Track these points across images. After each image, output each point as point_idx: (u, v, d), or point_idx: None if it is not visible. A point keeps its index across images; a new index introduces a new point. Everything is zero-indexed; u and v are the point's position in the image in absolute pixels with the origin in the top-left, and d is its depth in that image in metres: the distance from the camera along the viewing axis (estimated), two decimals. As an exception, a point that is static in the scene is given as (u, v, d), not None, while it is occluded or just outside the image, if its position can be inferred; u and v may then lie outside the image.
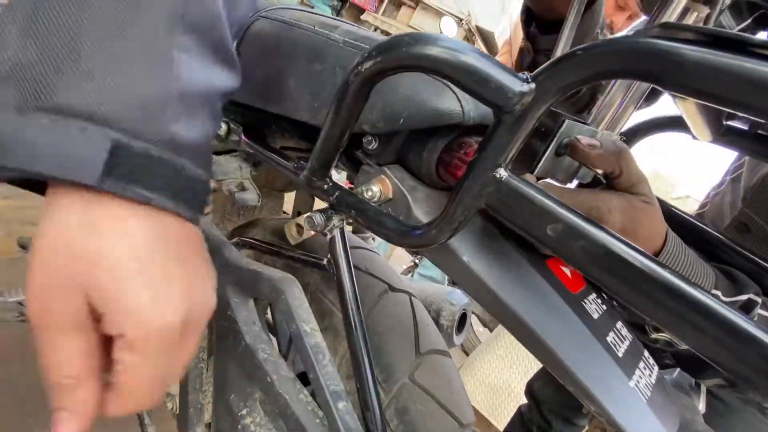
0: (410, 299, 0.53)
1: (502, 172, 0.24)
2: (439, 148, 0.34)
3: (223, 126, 0.46)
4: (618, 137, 0.36)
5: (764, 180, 0.48)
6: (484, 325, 1.90)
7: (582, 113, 0.51)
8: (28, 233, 1.25)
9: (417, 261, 1.84)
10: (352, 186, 0.37)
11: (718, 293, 0.32)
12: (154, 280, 0.23)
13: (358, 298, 0.37)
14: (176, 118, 0.22)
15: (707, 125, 0.31)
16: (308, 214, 0.36)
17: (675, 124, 0.45)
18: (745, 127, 0.40)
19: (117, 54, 0.20)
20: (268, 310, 0.68)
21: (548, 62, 0.21)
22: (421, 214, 0.34)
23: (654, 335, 0.36)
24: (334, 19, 0.41)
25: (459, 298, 0.70)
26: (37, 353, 0.23)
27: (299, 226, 0.39)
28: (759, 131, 0.40)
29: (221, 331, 0.43)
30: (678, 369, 0.43)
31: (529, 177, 0.31)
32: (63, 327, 0.22)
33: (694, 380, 0.41)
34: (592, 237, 0.21)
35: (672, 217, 0.41)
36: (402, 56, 0.23)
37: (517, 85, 0.21)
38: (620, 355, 0.31)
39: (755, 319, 0.31)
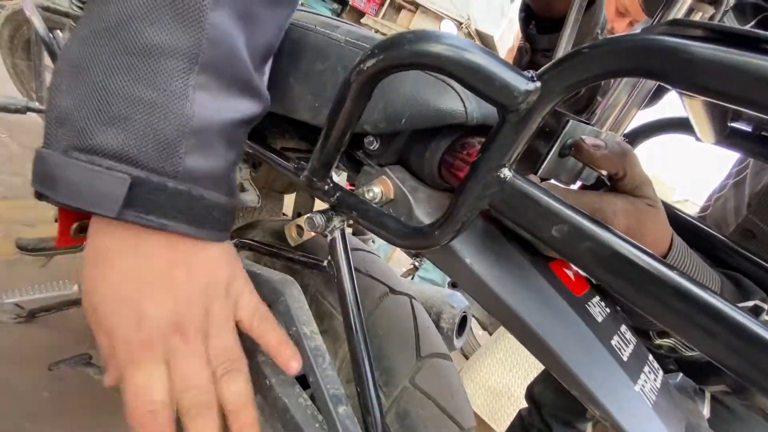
0: (411, 302, 0.52)
1: (507, 173, 0.24)
2: (442, 149, 0.34)
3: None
4: (622, 138, 0.35)
5: None
6: (484, 328, 1.90)
7: (581, 114, 0.51)
8: (26, 234, 1.24)
9: (417, 264, 1.84)
10: (353, 187, 0.37)
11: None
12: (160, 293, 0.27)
13: (359, 300, 0.37)
14: (191, 152, 0.25)
15: (712, 126, 0.31)
16: (308, 215, 0.36)
17: (678, 125, 0.44)
18: (749, 129, 0.40)
19: (137, 101, 0.24)
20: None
21: (554, 60, 0.20)
22: (423, 215, 0.34)
23: (658, 341, 0.36)
24: (335, 19, 0.41)
25: (459, 300, 0.70)
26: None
27: (299, 228, 0.39)
28: (763, 133, 0.40)
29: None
30: (681, 374, 0.42)
31: (532, 178, 0.31)
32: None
33: (697, 385, 0.40)
34: (599, 238, 0.21)
35: (676, 219, 0.40)
36: (405, 54, 0.22)
37: (523, 83, 0.21)
38: (625, 359, 0.31)
39: None
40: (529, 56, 0.55)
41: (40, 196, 0.26)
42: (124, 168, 0.24)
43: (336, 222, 0.36)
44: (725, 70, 0.16)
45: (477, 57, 0.21)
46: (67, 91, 0.24)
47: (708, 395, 0.39)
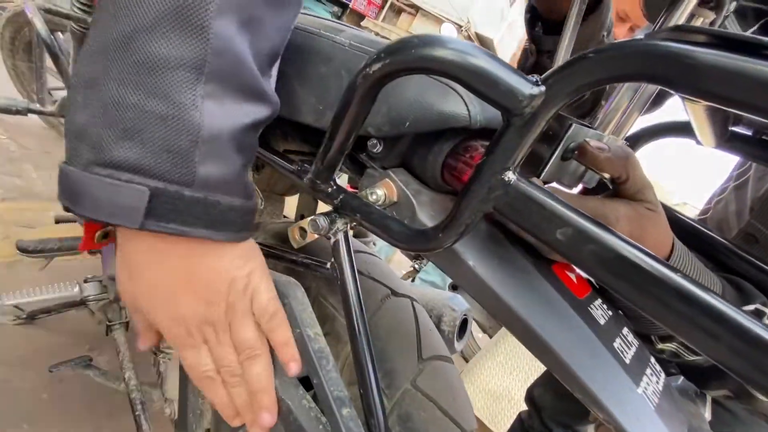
0: (412, 304, 0.52)
1: (511, 176, 0.24)
2: (445, 152, 0.34)
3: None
4: (623, 142, 0.36)
5: None
6: (484, 331, 1.89)
7: (584, 118, 0.51)
8: (26, 236, 1.24)
9: (417, 266, 1.84)
10: (354, 189, 0.37)
11: None
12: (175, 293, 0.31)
13: (362, 302, 0.37)
14: (203, 161, 0.27)
15: (713, 130, 0.31)
16: (312, 217, 0.36)
17: (679, 129, 0.44)
18: (750, 133, 0.40)
19: (148, 114, 0.25)
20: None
21: (558, 65, 0.21)
22: (426, 217, 0.34)
23: (660, 345, 0.36)
24: (338, 22, 0.41)
25: (460, 303, 0.70)
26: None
27: (302, 230, 0.39)
28: (763, 137, 0.40)
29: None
30: (682, 377, 0.42)
31: (535, 181, 0.31)
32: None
33: (699, 388, 0.40)
34: (603, 241, 0.21)
35: (676, 222, 0.40)
36: (411, 58, 0.23)
37: (527, 87, 0.21)
38: (627, 361, 0.31)
39: None
40: (534, 58, 0.55)
41: (67, 209, 0.27)
42: (142, 180, 0.26)
43: (339, 224, 0.36)
44: (728, 75, 0.17)
45: (482, 61, 0.21)
46: (83, 106, 0.26)
47: (709, 398, 0.40)
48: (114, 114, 0.25)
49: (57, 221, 1.04)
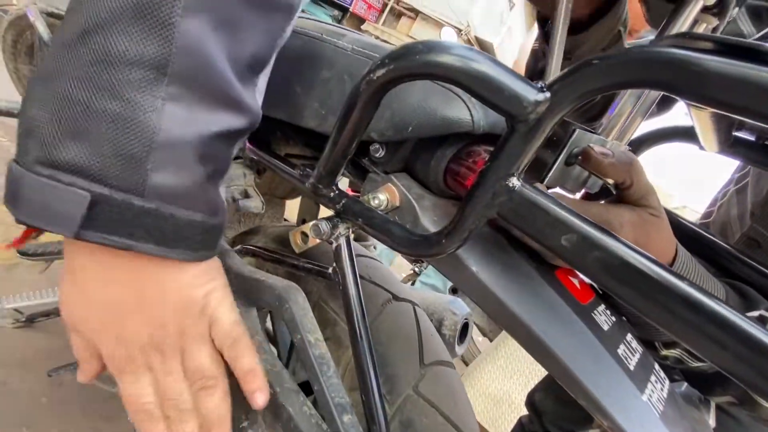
0: (414, 309, 0.52)
1: (515, 182, 0.24)
2: (448, 157, 0.34)
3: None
4: (626, 147, 0.36)
5: None
6: (484, 334, 1.89)
7: (592, 123, 0.50)
8: (26, 239, 1.24)
9: (417, 269, 1.83)
10: (355, 193, 0.37)
11: None
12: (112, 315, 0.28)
13: (364, 307, 0.37)
14: (158, 168, 0.24)
15: (717, 136, 0.31)
16: (314, 222, 0.36)
17: (681, 134, 0.44)
18: (752, 138, 0.40)
19: (100, 113, 0.23)
20: (267, 318, 0.67)
21: (564, 71, 0.21)
22: (429, 222, 0.34)
23: (664, 352, 0.36)
24: (341, 27, 0.41)
25: (461, 307, 0.70)
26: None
27: (304, 234, 0.39)
28: (766, 142, 0.40)
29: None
30: (686, 383, 0.42)
31: (539, 186, 0.31)
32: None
33: (702, 395, 0.40)
34: (608, 248, 0.21)
35: (679, 227, 0.40)
36: (415, 64, 0.23)
37: (532, 93, 0.21)
38: (632, 368, 0.31)
39: None
40: (545, 60, 0.54)
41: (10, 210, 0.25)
42: (85, 184, 0.23)
43: (341, 229, 0.36)
44: (734, 82, 0.17)
45: (487, 67, 0.21)
46: (36, 100, 0.24)
47: (713, 405, 0.39)
48: (63, 110, 0.23)
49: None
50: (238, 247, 0.53)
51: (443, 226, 0.32)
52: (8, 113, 1.20)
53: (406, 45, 0.23)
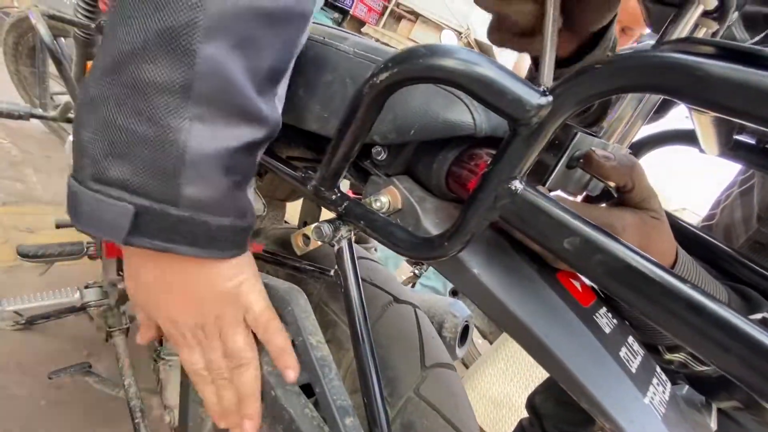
0: (415, 311, 0.52)
1: (517, 185, 0.24)
2: (450, 160, 0.34)
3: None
4: (627, 150, 0.36)
5: None
6: (484, 337, 1.89)
7: (591, 127, 0.50)
8: (27, 240, 1.24)
9: (417, 272, 1.83)
10: (356, 195, 0.37)
11: None
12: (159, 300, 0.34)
13: (366, 310, 0.37)
14: (188, 182, 0.27)
15: (718, 139, 0.31)
16: (316, 224, 0.36)
17: (682, 137, 0.45)
18: (753, 141, 0.41)
19: (138, 136, 0.26)
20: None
21: (567, 76, 0.21)
22: (431, 225, 0.34)
23: (668, 356, 0.36)
24: (342, 30, 0.41)
25: (462, 309, 0.70)
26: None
27: (306, 237, 0.39)
28: (766, 145, 0.40)
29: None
30: (687, 386, 0.42)
31: (542, 190, 0.31)
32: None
33: (704, 398, 0.40)
34: (611, 251, 0.21)
35: (680, 230, 0.40)
36: (418, 67, 0.23)
37: (535, 97, 0.21)
38: (633, 370, 0.31)
39: None
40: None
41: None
42: (129, 198, 0.27)
43: (343, 231, 0.36)
44: (737, 87, 0.17)
45: (490, 71, 0.21)
46: (85, 124, 0.27)
47: (715, 408, 0.39)
48: (108, 134, 0.26)
49: (57, 226, 1.03)
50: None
51: (445, 228, 0.32)
52: (9, 115, 1.20)
53: (409, 49, 0.24)
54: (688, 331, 0.19)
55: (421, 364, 0.46)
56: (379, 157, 0.36)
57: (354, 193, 0.80)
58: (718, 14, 0.30)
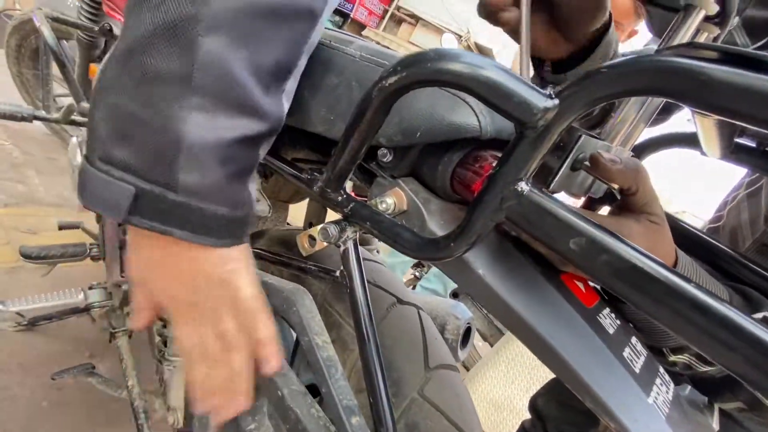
0: (418, 312, 0.52)
1: (524, 186, 0.24)
2: (455, 162, 0.34)
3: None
4: (630, 153, 0.36)
5: None
6: (485, 339, 1.89)
7: (594, 129, 0.51)
8: (28, 241, 1.24)
9: (418, 273, 1.84)
10: (359, 197, 0.37)
11: None
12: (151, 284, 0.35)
13: (371, 311, 0.37)
14: (185, 168, 0.28)
15: (720, 142, 0.32)
16: (322, 225, 0.36)
17: (683, 140, 0.45)
18: (754, 144, 0.41)
19: (140, 121, 0.27)
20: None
21: (572, 80, 0.21)
22: (436, 226, 0.34)
23: (672, 357, 0.36)
24: (347, 34, 0.42)
25: (463, 311, 0.70)
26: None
27: (311, 238, 0.39)
28: (767, 148, 0.41)
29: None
30: (689, 386, 0.42)
31: (546, 191, 0.31)
32: None
33: (707, 398, 0.40)
34: (617, 251, 0.22)
35: (682, 232, 0.41)
36: (426, 71, 0.23)
37: (541, 101, 0.22)
38: (637, 370, 0.31)
39: None
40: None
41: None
42: (131, 179, 0.28)
43: (349, 233, 0.36)
44: (741, 91, 0.17)
45: (497, 75, 0.22)
46: (98, 107, 0.29)
47: (717, 408, 0.39)
48: (115, 117, 0.28)
49: (60, 227, 1.04)
50: (244, 250, 0.53)
51: (450, 229, 0.32)
52: (12, 117, 1.20)
53: (417, 53, 0.24)
54: (693, 330, 0.20)
55: (424, 365, 0.46)
56: (384, 159, 0.36)
57: (357, 194, 0.81)
58: (719, 19, 0.31)
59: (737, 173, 0.60)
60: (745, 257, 0.37)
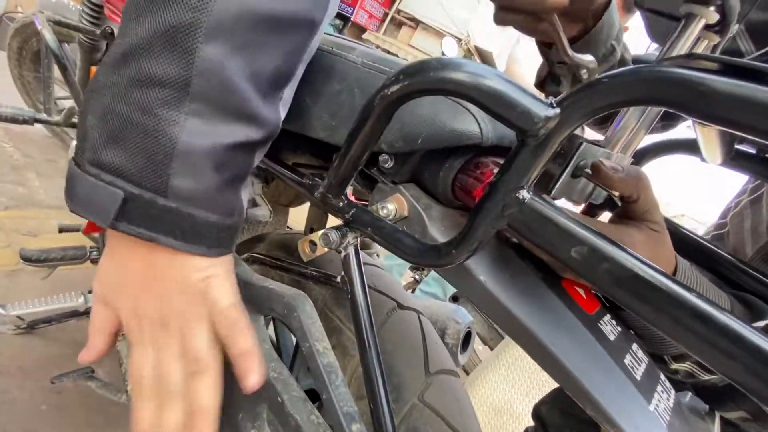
0: (419, 317, 0.52)
1: (525, 194, 0.24)
2: (456, 168, 0.34)
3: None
4: (631, 160, 0.36)
5: None
6: (485, 343, 1.88)
7: (599, 128, 0.51)
8: (29, 244, 1.24)
9: (418, 277, 1.83)
10: (359, 201, 0.38)
11: None
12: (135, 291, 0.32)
13: (372, 316, 0.37)
14: (177, 174, 0.28)
15: (720, 149, 0.32)
16: (323, 231, 0.36)
17: (683, 146, 0.45)
18: (753, 151, 0.41)
19: (133, 125, 0.27)
20: (269, 325, 0.67)
21: (574, 88, 0.21)
22: (437, 232, 0.34)
23: (674, 366, 0.36)
24: (349, 40, 0.42)
25: (464, 316, 0.70)
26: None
27: (312, 243, 0.39)
28: (767, 155, 0.41)
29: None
30: (690, 393, 0.42)
31: (548, 199, 0.31)
32: None
33: (708, 406, 0.40)
34: (618, 260, 0.22)
35: (683, 239, 0.41)
36: (429, 80, 0.23)
37: (542, 110, 0.22)
38: (638, 378, 0.31)
39: None
40: (546, 70, 0.55)
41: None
42: (121, 183, 0.28)
43: (350, 238, 0.36)
44: (741, 102, 0.17)
45: (499, 84, 0.22)
46: (89, 110, 0.28)
47: (718, 416, 0.39)
48: (107, 121, 0.27)
49: (60, 230, 1.04)
50: (246, 255, 0.54)
51: (451, 235, 0.32)
52: (14, 119, 1.21)
53: (420, 61, 0.24)
54: (694, 339, 0.20)
55: (425, 371, 0.46)
56: (386, 165, 0.37)
57: (357, 199, 0.81)
58: (720, 27, 0.31)
59: (738, 176, 0.60)
60: (746, 264, 0.37)
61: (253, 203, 0.52)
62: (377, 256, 0.91)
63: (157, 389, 0.33)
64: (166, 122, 0.27)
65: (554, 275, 0.34)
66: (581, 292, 0.35)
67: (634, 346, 0.35)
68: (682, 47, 0.31)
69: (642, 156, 0.48)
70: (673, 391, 0.34)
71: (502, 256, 0.34)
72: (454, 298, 1.68)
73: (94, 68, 1.21)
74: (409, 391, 0.44)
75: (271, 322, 0.67)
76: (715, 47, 0.34)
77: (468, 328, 0.68)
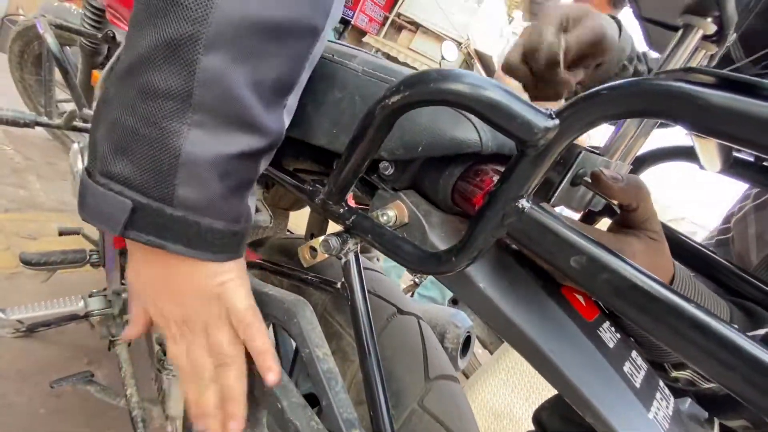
0: (418, 322, 0.52)
1: (525, 203, 0.25)
2: (456, 176, 0.35)
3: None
4: (629, 167, 0.36)
5: None
6: (485, 347, 1.88)
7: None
8: (29, 247, 1.24)
9: (417, 280, 1.83)
10: (359, 206, 0.38)
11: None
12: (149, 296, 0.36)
13: (372, 322, 0.37)
14: (183, 183, 0.29)
15: (718, 157, 0.32)
16: (323, 237, 0.36)
17: (682, 153, 0.46)
18: (751, 159, 0.41)
19: (140, 136, 0.28)
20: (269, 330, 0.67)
21: (573, 99, 0.21)
22: (437, 239, 0.34)
23: (674, 374, 0.36)
24: (350, 47, 0.42)
25: (464, 320, 0.70)
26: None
27: (313, 249, 0.40)
28: (765, 163, 0.41)
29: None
30: (689, 400, 0.42)
31: (547, 208, 0.32)
32: None
33: (707, 413, 0.40)
34: (617, 270, 0.22)
35: (683, 246, 0.41)
36: (430, 91, 0.23)
37: (542, 121, 0.22)
38: (637, 385, 0.31)
39: None
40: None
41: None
42: (129, 193, 0.29)
43: (350, 244, 0.37)
44: (736, 116, 0.18)
45: (499, 95, 0.22)
46: (99, 122, 0.30)
47: (717, 423, 0.39)
48: (116, 132, 0.28)
49: (60, 233, 1.04)
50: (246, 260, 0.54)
51: (451, 241, 0.32)
52: (14, 122, 1.21)
53: (420, 72, 0.24)
54: (692, 348, 0.20)
55: (425, 376, 0.46)
56: (386, 172, 0.37)
57: (357, 203, 0.81)
58: (717, 38, 0.31)
59: (737, 181, 0.59)
60: (746, 272, 0.37)
61: (254, 209, 0.52)
62: (377, 260, 0.91)
63: (194, 375, 0.36)
64: (170, 134, 0.27)
65: (554, 282, 0.34)
66: (580, 298, 0.35)
67: (634, 354, 0.35)
68: (680, 57, 0.32)
69: (641, 163, 0.48)
70: (672, 399, 0.34)
71: (502, 263, 0.34)
72: (454, 301, 1.68)
73: (95, 72, 1.22)
74: (409, 397, 0.45)
75: (271, 327, 0.67)
76: (712, 56, 0.35)
77: (468, 332, 0.68)
